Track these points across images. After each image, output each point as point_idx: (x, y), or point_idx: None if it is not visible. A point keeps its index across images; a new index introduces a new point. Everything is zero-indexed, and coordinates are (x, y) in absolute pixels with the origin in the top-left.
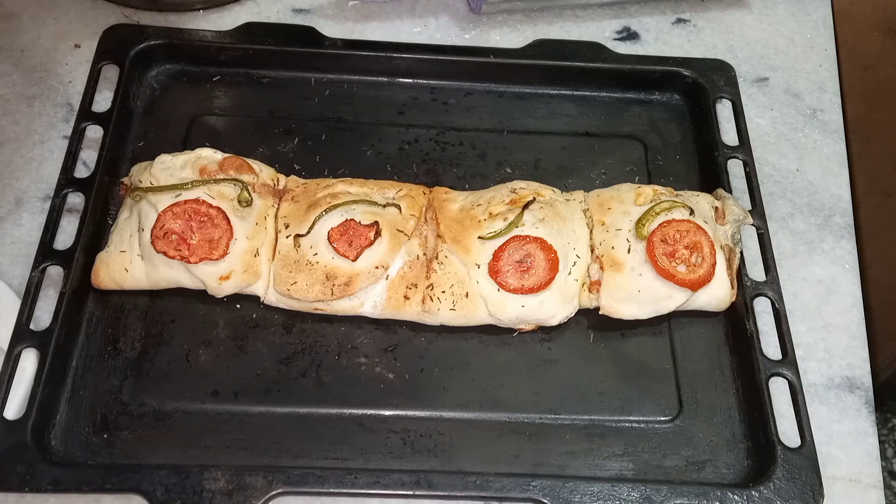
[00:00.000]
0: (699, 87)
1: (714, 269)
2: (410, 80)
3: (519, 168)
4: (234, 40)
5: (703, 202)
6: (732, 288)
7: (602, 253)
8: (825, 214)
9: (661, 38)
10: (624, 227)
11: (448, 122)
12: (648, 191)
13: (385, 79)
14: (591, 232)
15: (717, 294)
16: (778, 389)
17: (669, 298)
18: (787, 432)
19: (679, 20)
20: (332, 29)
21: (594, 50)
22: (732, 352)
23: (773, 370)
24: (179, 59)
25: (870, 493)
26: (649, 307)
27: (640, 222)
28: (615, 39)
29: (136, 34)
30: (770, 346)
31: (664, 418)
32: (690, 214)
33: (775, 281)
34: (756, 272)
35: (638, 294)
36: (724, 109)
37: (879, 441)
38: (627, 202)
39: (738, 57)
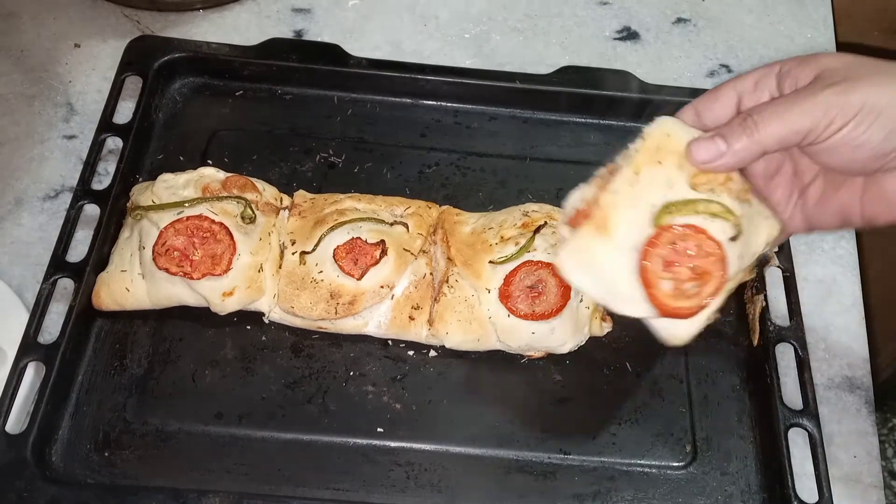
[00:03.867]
0: None
1: (700, 311)
2: (434, 102)
3: (540, 197)
4: (257, 55)
5: (761, 232)
6: (696, 332)
7: (604, 196)
8: None
9: (661, 38)
10: (650, 196)
11: (470, 146)
12: (718, 178)
13: (409, 100)
14: None
15: (677, 331)
16: (797, 439)
17: (627, 303)
18: (805, 486)
19: (679, 19)
20: (331, 29)
21: (622, 78)
22: (751, 398)
23: (793, 420)
24: (203, 73)
25: (870, 492)
26: (602, 291)
27: (669, 206)
28: (615, 39)
29: (161, 46)
30: (788, 392)
31: (677, 464)
32: (732, 239)
33: (800, 327)
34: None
35: (602, 271)
36: None
37: (880, 441)
38: (684, 168)
39: (739, 56)
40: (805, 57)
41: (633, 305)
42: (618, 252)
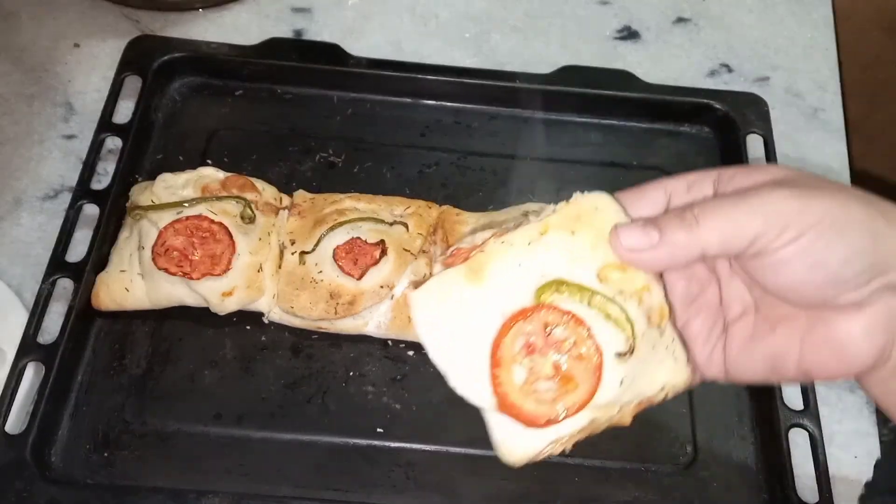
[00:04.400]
0: (730, 121)
1: (547, 424)
2: (434, 102)
3: (540, 197)
4: (257, 55)
5: (660, 372)
6: (531, 459)
7: (494, 243)
8: None
9: (661, 37)
10: (544, 263)
11: (470, 146)
12: (635, 282)
13: (409, 99)
14: None
15: (513, 443)
16: (797, 439)
17: (463, 377)
18: (806, 486)
19: (680, 19)
20: (331, 28)
21: (623, 78)
22: (752, 398)
23: (794, 420)
24: (203, 73)
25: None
26: (446, 356)
27: (560, 283)
28: (615, 38)
29: (161, 46)
30: (789, 392)
31: (678, 464)
32: (619, 356)
33: None
34: None
35: (456, 329)
36: (754, 144)
37: (880, 441)
38: (597, 251)
39: (739, 56)
40: (750, 166)
41: (473, 384)
42: (480, 308)
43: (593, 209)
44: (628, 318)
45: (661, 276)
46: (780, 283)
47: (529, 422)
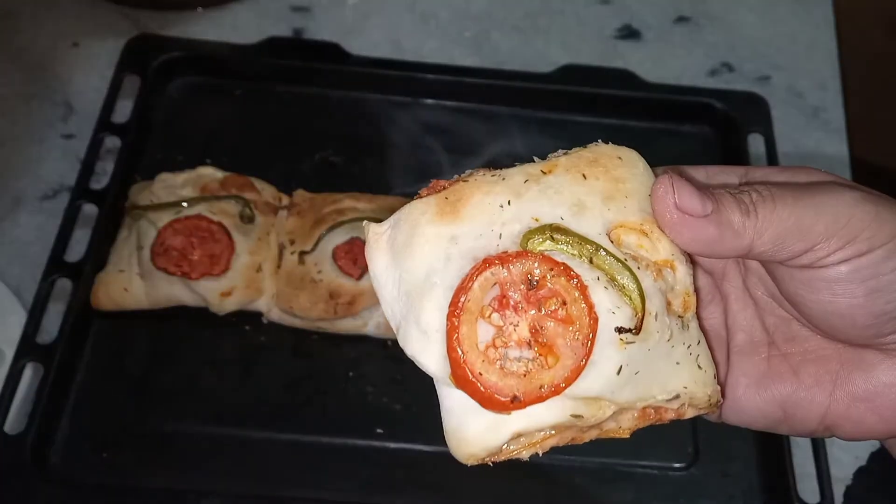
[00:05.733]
0: (731, 120)
1: (512, 409)
2: (434, 101)
3: None
4: (257, 54)
5: (678, 375)
6: (487, 454)
7: (480, 176)
8: None
9: (662, 37)
10: (541, 205)
11: (470, 145)
12: (657, 252)
13: (408, 99)
14: None
15: (470, 429)
16: (798, 440)
17: (418, 337)
18: (807, 486)
19: (680, 18)
20: (330, 28)
21: (624, 78)
22: None
23: None
24: (202, 72)
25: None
26: (395, 302)
27: (556, 231)
28: (616, 37)
29: (160, 45)
30: None
31: (679, 465)
32: (620, 332)
33: None
34: None
35: (410, 270)
36: (755, 144)
37: (880, 441)
38: (612, 203)
39: (740, 56)
40: (786, 167)
41: (426, 346)
42: (448, 251)
43: (616, 158)
44: (640, 288)
45: (691, 260)
46: (829, 305)
47: (488, 399)
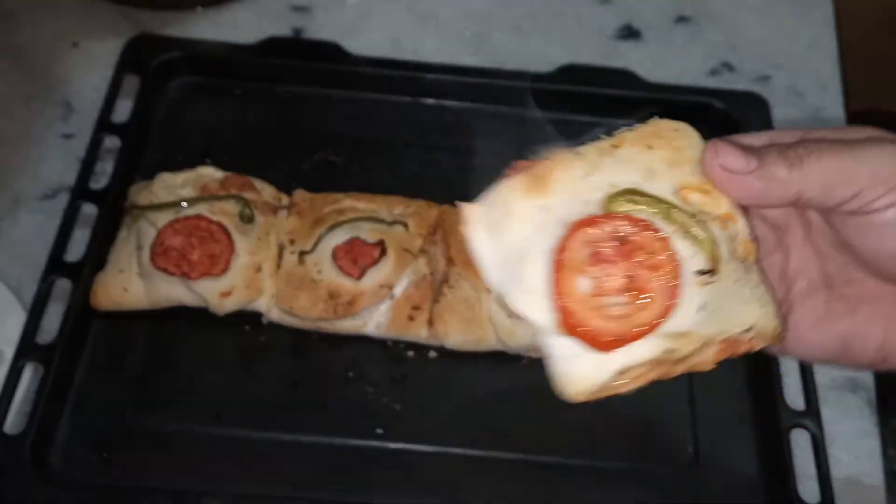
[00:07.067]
0: (731, 120)
1: (617, 345)
2: (434, 101)
3: None
4: (256, 54)
5: (746, 312)
6: (601, 387)
7: (562, 153)
8: None
9: (662, 37)
10: (617, 173)
11: (470, 145)
12: (719, 207)
13: (408, 98)
14: None
15: (576, 372)
16: (799, 440)
17: (525, 295)
18: (807, 487)
19: (681, 18)
20: (330, 27)
21: (624, 77)
22: (753, 399)
23: (795, 421)
24: (201, 72)
25: (872, 493)
26: (501, 269)
27: (634, 193)
28: (616, 37)
29: (159, 45)
30: (790, 393)
31: (678, 466)
32: (699, 273)
33: None
34: None
35: (511, 241)
36: None
37: (882, 441)
38: (676, 168)
39: (740, 55)
40: (841, 127)
41: (533, 302)
42: (542, 219)
43: (674, 130)
44: (711, 237)
45: (747, 212)
46: (879, 248)
47: (594, 340)
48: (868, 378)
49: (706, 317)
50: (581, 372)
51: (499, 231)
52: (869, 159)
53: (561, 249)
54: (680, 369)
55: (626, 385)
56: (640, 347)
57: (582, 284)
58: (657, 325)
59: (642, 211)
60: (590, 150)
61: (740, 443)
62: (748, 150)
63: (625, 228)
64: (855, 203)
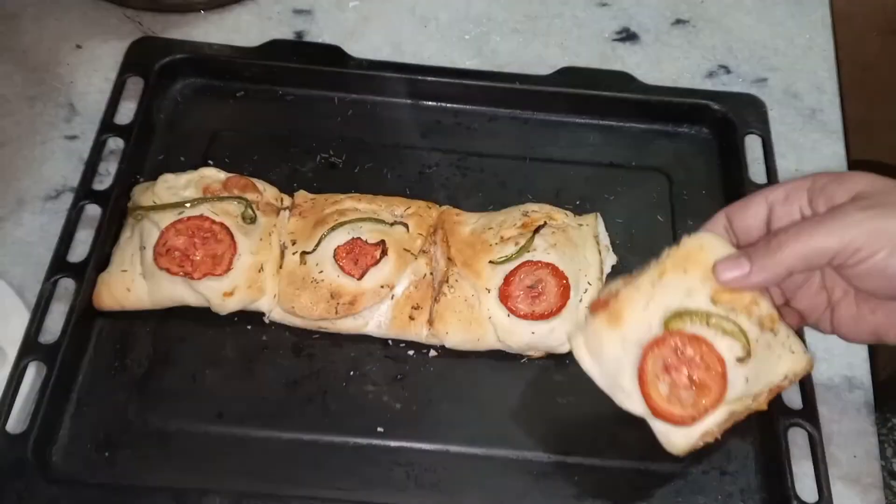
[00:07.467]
0: (728, 122)
1: (698, 421)
2: (434, 103)
3: (540, 197)
4: (259, 57)
5: (781, 364)
6: (694, 445)
7: (625, 289)
8: None
9: (660, 39)
10: (667, 299)
11: (470, 147)
12: (743, 299)
13: (409, 101)
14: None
15: (674, 438)
16: (796, 439)
17: (628, 397)
18: (805, 486)
19: (678, 21)
20: (332, 30)
21: (622, 79)
22: None
23: (793, 420)
24: (204, 74)
25: (870, 493)
26: (606, 381)
27: (681, 313)
28: (614, 40)
29: (162, 47)
30: (788, 392)
31: (677, 464)
32: (739, 360)
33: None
34: None
35: (607, 361)
36: (753, 145)
37: (879, 441)
38: (707, 282)
39: (738, 58)
40: (840, 175)
41: (632, 401)
42: (624, 345)
43: (699, 248)
44: (741, 329)
45: (766, 290)
46: (865, 287)
47: (679, 422)
48: (865, 377)
49: (752, 383)
50: (676, 439)
51: (597, 355)
52: (836, 231)
53: (642, 368)
54: (745, 414)
55: (710, 437)
56: (711, 417)
57: (661, 387)
58: (718, 403)
59: (690, 324)
60: (643, 282)
61: (738, 441)
62: (741, 255)
63: (681, 342)
64: (834, 263)
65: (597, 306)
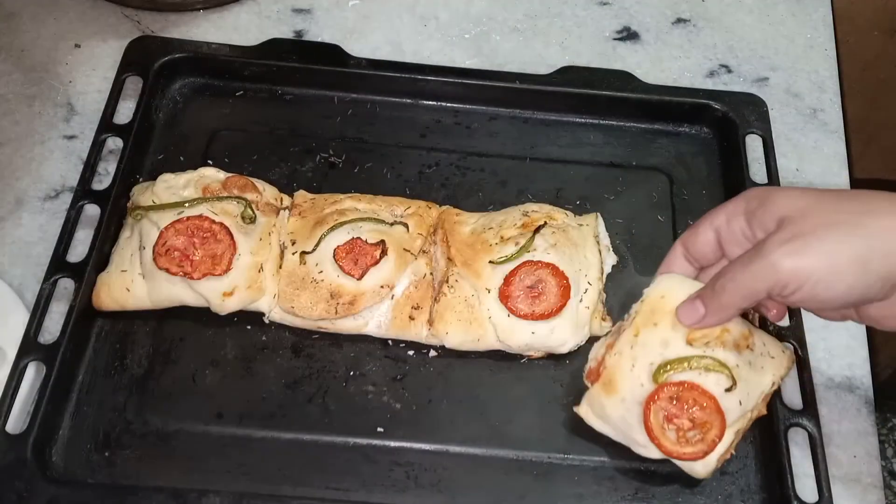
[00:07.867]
0: (729, 121)
1: (708, 454)
2: (434, 103)
3: (540, 197)
4: (258, 56)
5: (766, 373)
6: (714, 468)
7: (609, 357)
8: None
9: (661, 38)
10: (647, 356)
11: (470, 146)
12: (713, 332)
13: (409, 100)
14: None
15: (696, 468)
16: (797, 439)
17: (645, 448)
18: (805, 486)
19: (679, 20)
20: (331, 29)
21: (622, 79)
22: None
23: (793, 420)
24: (203, 73)
25: (870, 492)
26: (622, 437)
27: (664, 365)
28: (615, 39)
29: (161, 46)
30: (788, 392)
31: (678, 466)
32: (728, 390)
33: (800, 327)
34: None
35: (616, 422)
36: (753, 145)
37: (879, 441)
38: (678, 327)
39: (738, 57)
40: (766, 196)
41: (649, 451)
42: (625, 405)
43: (660, 298)
44: (721, 362)
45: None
46: (812, 310)
47: (694, 458)
48: (866, 377)
49: (746, 402)
50: (698, 469)
51: (604, 419)
52: (761, 273)
53: (646, 424)
54: (748, 426)
55: (728, 454)
56: (721, 444)
57: (669, 435)
58: (723, 432)
59: (675, 371)
60: (624, 344)
61: (739, 442)
62: (695, 299)
63: (673, 391)
64: (773, 296)
65: (590, 376)
